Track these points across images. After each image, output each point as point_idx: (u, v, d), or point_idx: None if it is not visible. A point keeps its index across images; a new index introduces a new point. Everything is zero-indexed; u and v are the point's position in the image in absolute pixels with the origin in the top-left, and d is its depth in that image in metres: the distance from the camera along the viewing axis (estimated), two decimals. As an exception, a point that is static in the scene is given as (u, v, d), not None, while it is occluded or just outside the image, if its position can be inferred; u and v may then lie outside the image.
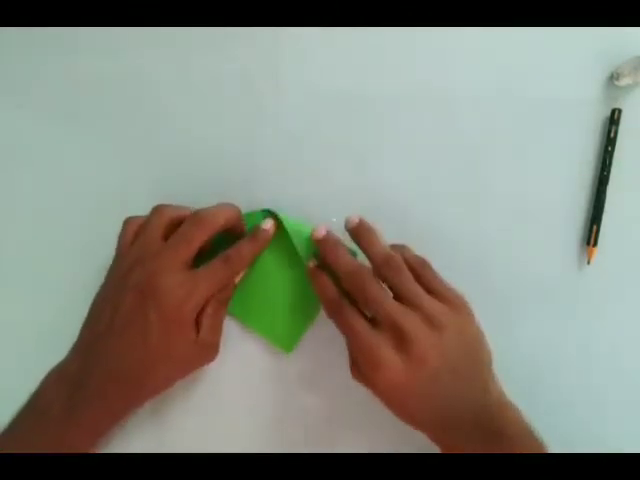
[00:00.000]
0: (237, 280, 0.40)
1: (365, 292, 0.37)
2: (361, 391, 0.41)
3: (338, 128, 0.44)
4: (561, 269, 0.44)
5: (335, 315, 0.38)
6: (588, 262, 0.43)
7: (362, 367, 0.37)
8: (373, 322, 0.37)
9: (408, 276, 0.37)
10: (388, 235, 0.40)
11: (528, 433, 0.35)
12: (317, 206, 0.43)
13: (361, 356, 0.36)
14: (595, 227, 0.43)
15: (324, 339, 0.42)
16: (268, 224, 0.41)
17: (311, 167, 0.44)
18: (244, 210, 0.42)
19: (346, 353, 0.42)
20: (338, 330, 0.38)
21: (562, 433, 0.41)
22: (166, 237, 0.38)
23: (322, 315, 0.42)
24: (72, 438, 0.36)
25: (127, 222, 0.39)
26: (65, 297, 0.41)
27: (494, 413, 0.36)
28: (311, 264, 0.40)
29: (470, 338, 0.37)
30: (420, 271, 0.38)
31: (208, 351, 0.39)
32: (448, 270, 0.39)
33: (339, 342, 0.42)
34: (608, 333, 0.43)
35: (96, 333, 0.37)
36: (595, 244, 0.43)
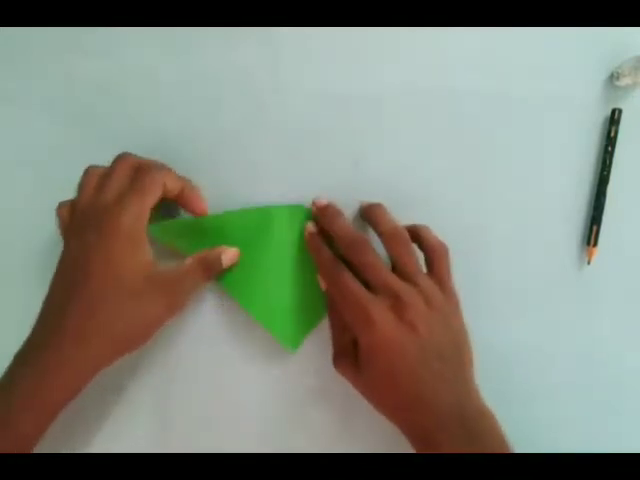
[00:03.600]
0: (225, 264, 0.40)
1: (364, 259, 0.38)
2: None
3: (338, 128, 0.44)
4: (561, 269, 0.44)
5: (330, 275, 0.39)
6: (588, 262, 0.43)
7: (355, 326, 0.37)
8: (369, 287, 0.37)
9: (412, 253, 0.38)
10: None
11: (503, 446, 0.34)
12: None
13: (354, 314, 0.36)
14: (595, 227, 0.43)
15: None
16: (229, 255, 0.40)
17: (311, 167, 0.44)
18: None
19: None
20: (331, 293, 0.39)
21: (562, 432, 0.42)
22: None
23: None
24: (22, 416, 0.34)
25: (89, 171, 0.39)
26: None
27: (475, 417, 0.35)
28: (311, 228, 0.41)
29: (456, 332, 0.38)
30: (432, 254, 0.39)
31: (164, 290, 0.37)
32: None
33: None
34: (608, 333, 0.43)
35: (50, 291, 0.37)
36: (595, 244, 0.43)
